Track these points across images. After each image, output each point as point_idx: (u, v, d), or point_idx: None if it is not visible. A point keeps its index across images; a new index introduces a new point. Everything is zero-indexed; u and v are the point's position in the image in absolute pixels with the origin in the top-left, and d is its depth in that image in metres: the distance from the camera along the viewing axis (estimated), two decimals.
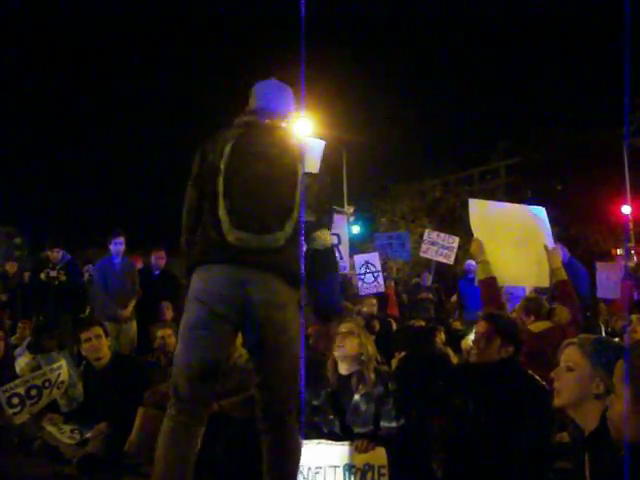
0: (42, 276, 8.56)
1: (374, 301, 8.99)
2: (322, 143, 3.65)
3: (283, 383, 3.19)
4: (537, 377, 3.71)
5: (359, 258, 11.60)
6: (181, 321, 3.23)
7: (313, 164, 3.48)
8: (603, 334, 6.70)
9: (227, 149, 3.21)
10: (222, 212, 3.10)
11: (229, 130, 3.37)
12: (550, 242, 5.69)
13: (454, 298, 11.81)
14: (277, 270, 3.14)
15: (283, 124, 3.49)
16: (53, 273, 8.53)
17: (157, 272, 9.23)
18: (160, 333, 6.78)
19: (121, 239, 8.51)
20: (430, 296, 11.46)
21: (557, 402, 2.61)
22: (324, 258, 3.40)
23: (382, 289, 10.87)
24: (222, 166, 3.18)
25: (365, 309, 8.91)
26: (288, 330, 3.17)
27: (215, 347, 3.12)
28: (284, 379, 3.19)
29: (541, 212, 5.95)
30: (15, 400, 5.13)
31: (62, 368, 5.39)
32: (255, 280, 3.09)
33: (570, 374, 2.56)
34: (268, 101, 3.52)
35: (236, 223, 3.09)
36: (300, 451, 3.28)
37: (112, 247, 8.47)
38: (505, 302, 7.08)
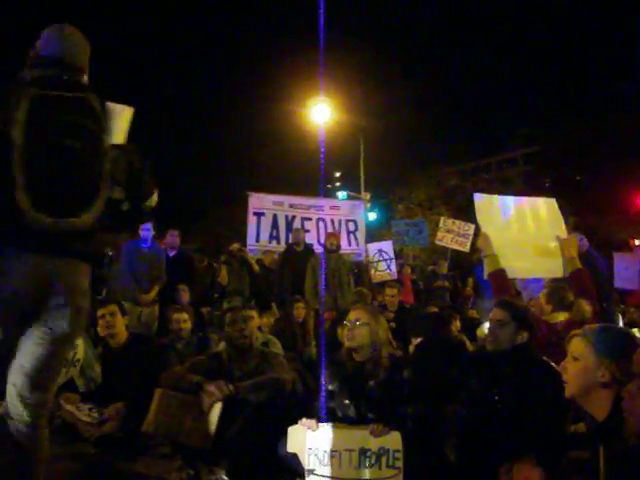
0: None
1: (395, 291, 8.94)
2: (130, 110, 3.13)
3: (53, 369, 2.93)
4: (552, 364, 3.71)
5: (373, 246, 11.64)
6: None
7: (120, 134, 3.07)
8: (621, 324, 6.66)
9: (21, 114, 2.71)
10: (19, 192, 2.65)
11: (19, 86, 2.82)
12: (563, 232, 5.68)
13: (469, 289, 11.77)
14: (83, 256, 2.86)
15: (83, 82, 3.06)
16: None
17: (172, 253, 9.27)
18: (176, 317, 6.84)
19: (149, 224, 8.54)
20: (446, 284, 11.44)
21: (567, 393, 2.63)
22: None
23: (395, 276, 10.89)
24: (16, 135, 2.68)
25: (387, 299, 8.84)
26: (83, 318, 2.90)
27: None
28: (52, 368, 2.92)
29: (552, 203, 5.94)
30: None
31: (78, 346, 5.44)
32: (61, 271, 2.77)
33: (576, 364, 2.58)
34: (64, 50, 3.02)
35: (36, 205, 2.67)
36: (41, 451, 2.93)
37: (141, 232, 8.51)
38: (521, 291, 7.08)
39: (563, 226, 5.79)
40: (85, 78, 3.09)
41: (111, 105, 3.05)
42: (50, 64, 2.96)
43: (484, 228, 5.35)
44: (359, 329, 4.26)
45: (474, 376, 3.94)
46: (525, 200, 6.15)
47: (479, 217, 5.44)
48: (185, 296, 8.54)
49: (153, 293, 8.36)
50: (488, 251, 5.19)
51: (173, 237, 9.47)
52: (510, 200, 6.05)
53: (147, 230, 8.51)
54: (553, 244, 5.54)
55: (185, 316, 6.84)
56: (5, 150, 2.67)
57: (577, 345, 2.61)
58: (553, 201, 5.99)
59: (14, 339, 2.84)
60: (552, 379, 3.53)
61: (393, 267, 11.13)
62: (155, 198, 3.21)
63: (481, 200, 5.62)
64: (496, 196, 6.04)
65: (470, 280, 11.60)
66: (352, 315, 4.37)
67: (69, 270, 2.81)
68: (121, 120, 3.09)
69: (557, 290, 5.31)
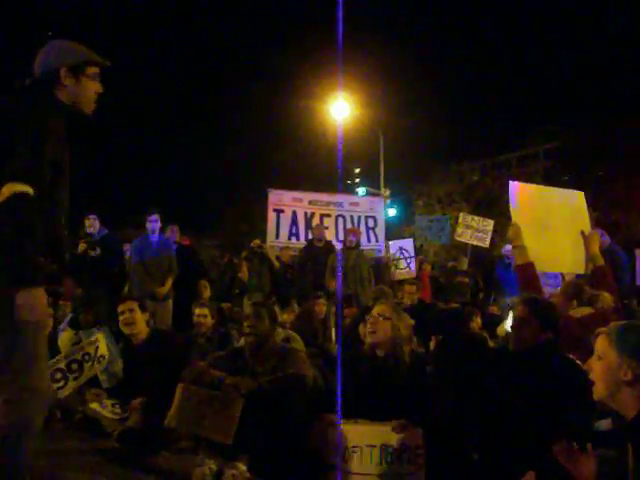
0: (79, 249, 8.60)
1: (414, 288, 8.94)
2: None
3: None
4: (578, 362, 3.67)
5: (394, 244, 11.64)
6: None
7: None
8: None
9: None
10: None
11: None
12: (588, 227, 5.61)
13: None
14: None
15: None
16: (91, 250, 8.50)
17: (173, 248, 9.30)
18: (197, 311, 6.89)
19: (155, 216, 8.55)
20: (466, 280, 11.38)
21: (595, 396, 2.61)
22: None
23: (414, 275, 10.89)
24: None
25: (406, 295, 8.85)
26: None
27: None
28: None
29: (580, 197, 5.84)
30: (58, 375, 5.26)
31: (100, 342, 5.49)
32: None
33: (600, 363, 2.56)
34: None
35: None
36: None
37: (148, 225, 8.55)
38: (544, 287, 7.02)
39: (588, 221, 5.71)
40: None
41: None
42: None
43: (515, 218, 5.24)
44: (381, 324, 4.26)
45: (497, 373, 3.91)
46: (557, 191, 6.05)
47: (512, 206, 5.33)
48: (205, 292, 8.58)
49: (168, 285, 8.39)
50: (518, 242, 5.09)
51: (173, 232, 9.53)
52: (544, 190, 5.94)
53: (155, 222, 8.53)
54: (578, 239, 5.47)
55: (205, 311, 6.88)
56: None
57: (601, 344, 2.59)
58: (581, 195, 5.89)
59: None
60: (577, 378, 3.51)
61: (413, 265, 11.13)
62: None
63: (516, 189, 5.50)
64: (533, 185, 5.93)
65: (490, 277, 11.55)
66: (375, 310, 4.38)
67: None
68: None
69: (574, 286, 5.26)
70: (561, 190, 6.13)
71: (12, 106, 3.00)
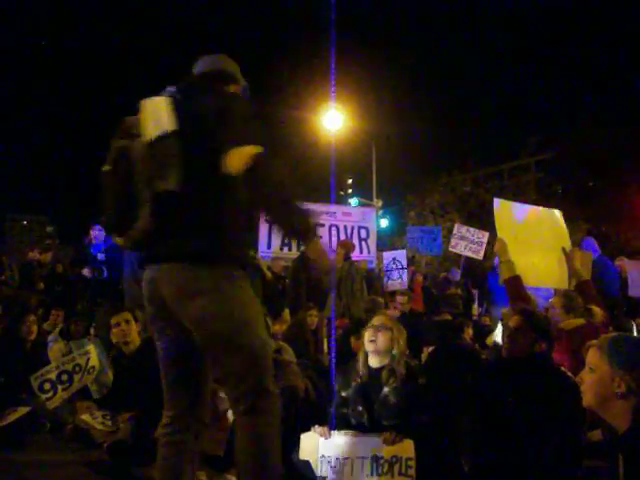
0: (85, 272, 8.61)
1: (406, 298, 8.97)
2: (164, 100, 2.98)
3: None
4: (569, 373, 3.68)
5: (387, 255, 11.63)
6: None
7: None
8: (635, 333, 6.60)
9: None
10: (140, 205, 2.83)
11: None
12: (568, 244, 5.73)
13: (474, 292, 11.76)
14: (182, 257, 2.81)
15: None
16: (95, 273, 8.54)
17: None
18: None
19: None
20: (459, 291, 11.38)
21: (584, 403, 2.61)
22: None
23: (405, 286, 10.89)
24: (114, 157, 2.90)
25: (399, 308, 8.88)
26: (214, 317, 2.77)
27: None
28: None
29: (558, 214, 5.99)
30: (47, 386, 5.24)
31: (91, 353, 5.47)
32: (162, 278, 2.84)
33: (591, 376, 2.56)
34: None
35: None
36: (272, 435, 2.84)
37: None
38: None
39: (568, 238, 5.84)
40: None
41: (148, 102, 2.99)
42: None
43: (501, 233, 5.34)
44: (383, 334, 4.26)
45: (489, 384, 3.92)
46: (538, 209, 6.20)
47: (497, 222, 5.44)
48: None
49: None
50: (504, 257, 5.18)
51: None
52: (526, 208, 6.08)
53: None
54: (560, 255, 5.59)
55: None
56: None
57: (592, 356, 2.59)
58: (559, 213, 6.05)
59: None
60: (568, 389, 3.52)
61: (405, 277, 11.12)
62: None
63: (499, 205, 5.63)
64: (514, 203, 6.06)
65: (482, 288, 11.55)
66: (377, 320, 4.38)
67: (173, 276, 2.84)
68: (160, 112, 3.03)
69: (571, 297, 5.31)
70: (540, 208, 6.30)
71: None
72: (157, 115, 2.83)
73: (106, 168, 2.89)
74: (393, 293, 10.96)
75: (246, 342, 2.78)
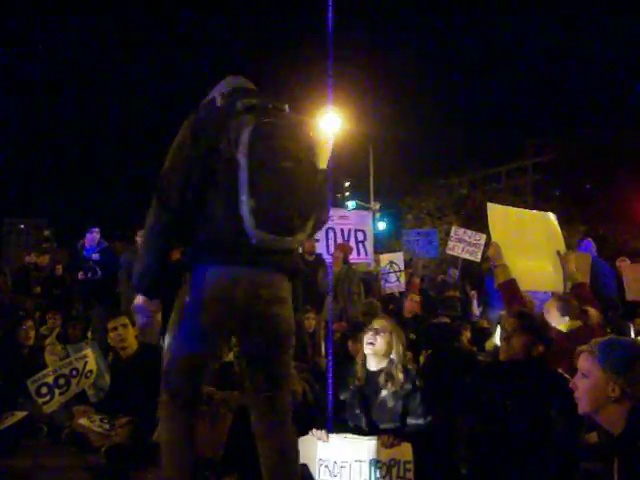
0: (80, 276, 8.62)
1: (417, 298, 9.03)
2: (330, 137, 3.43)
3: (285, 374, 3.22)
4: (566, 376, 3.68)
5: (384, 258, 11.64)
6: (181, 317, 3.16)
7: (324, 159, 3.29)
8: (632, 334, 6.60)
9: (244, 138, 2.91)
10: (246, 211, 2.85)
11: (235, 114, 3.02)
12: (563, 247, 5.75)
13: (473, 293, 11.75)
14: (284, 270, 3.09)
15: (286, 109, 3.23)
16: (89, 273, 8.56)
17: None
18: None
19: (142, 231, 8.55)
20: (457, 294, 11.37)
21: (580, 410, 2.59)
22: None
23: (402, 288, 10.90)
24: (242, 159, 2.89)
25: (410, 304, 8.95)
26: (290, 322, 3.15)
27: (216, 350, 3.17)
28: (287, 371, 3.23)
29: (552, 218, 6.01)
30: (44, 390, 5.23)
31: (88, 357, 5.46)
32: (267, 282, 3.01)
33: (585, 381, 2.54)
34: (247, 83, 3.33)
35: (261, 224, 2.87)
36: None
37: (138, 239, 8.53)
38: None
39: (562, 241, 5.86)
40: (286, 106, 3.24)
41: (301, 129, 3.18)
42: (249, 94, 3.20)
43: (495, 237, 5.37)
44: (381, 337, 4.26)
45: (486, 387, 3.92)
46: (533, 213, 6.23)
47: (491, 226, 5.46)
48: None
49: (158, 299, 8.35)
50: (499, 261, 5.20)
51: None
52: (520, 212, 6.11)
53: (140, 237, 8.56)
54: (555, 259, 5.61)
55: None
56: (230, 172, 2.89)
57: (584, 361, 2.58)
58: (553, 216, 6.07)
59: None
60: (565, 392, 3.52)
61: (402, 279, 11.13)
62: None
63: (494, 210, 5.65)
64: (508, 207, 6.08)
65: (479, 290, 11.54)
66: (376, 323, 4.39)
67: (272, 281, 3.05)
68: (324, 145, 3.32)
69: (566, 300, 5.32)
70: (534, 212, 6.37)
71: None
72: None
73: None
74: (391, 295, 10.99)
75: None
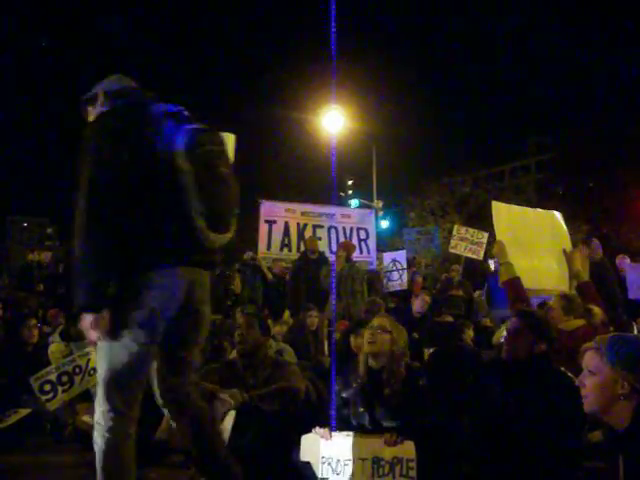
0: None
1: (427, 298, 9.03)
2: (233, 136, 3.71)
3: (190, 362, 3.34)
4: (569, 374, 3.68)
5: (387, 256, 11.64)
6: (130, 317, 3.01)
7: (231, 158, 3.52)
8: (635, 332, 6.59)
9: (181, 145, 3.07)
10: (196, 213, 3.00)
11: (155, 119, 3.16)
12: (569, 245, 5.73)
13: (477, 293, 11.72)
14: (211, 268, 3.31)
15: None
16: None
17: None
18: None
19: None
20: (460, 292, 11.36)
21: (587, 408, 2.54)
22: None
23: (405, 286, 10.89)
24: (185, 164, 3.03)
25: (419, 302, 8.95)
26: (208, 321, 3.37)
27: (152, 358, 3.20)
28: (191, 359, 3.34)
29: (558, 216, 6.00)
30: (47, 387, 5.22)
31: (92, 354, 5.46)
32: (200, 283, 3.19)
33: (593, 379, 2.50)
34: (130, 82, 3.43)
35: (210, 225, 3.04)
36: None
37: None
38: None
39: (569, 239, 5.84)
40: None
41: (221, 134, 3.42)
42: (139, 94, 3.36)
43: (500, 236, 5.35)
44: (381, 336, 4.26)
45: (489, 386, 3.91)
46: (538, 212, 6.21)
47: (496, 225, 5.45)
48: None
49: None
50: (503, 259, 5.19)
51: None
52: (524, 210, 6.09)
53: None
54: (560, 257, 5.59)
55: None
56: (170, 176, 3.01)
57: (591, 359, 2.55)
58: (559, 214, 6.06)
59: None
60: (569, 390, 3.51)
61: (404, 277, 11.13)
62: None
63: (498, 208, 5.64)
64: (513, 206, 6.07)
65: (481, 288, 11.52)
66: (376, 321, 4.39)
67: (203, 279, 3.23)
68: (229, 146, 3.53)
69: (570, 298, 5.31)
70: (539, 210, 6.34)
71: None
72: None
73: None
74: (392, 293, 10.97)
75: None
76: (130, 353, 2.99)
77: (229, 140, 3.54)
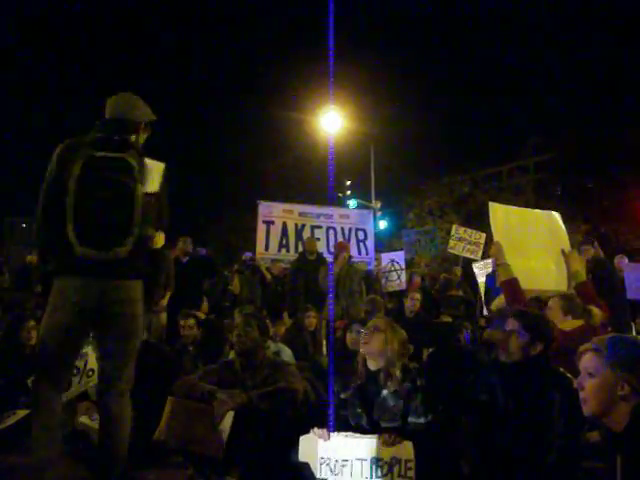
0: None
1: (418, 295, 9.02)
2: (162, 165, 3.93)
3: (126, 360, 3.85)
4: (568, 375, 3.68)
5: (386, 256, 11.65)
6: (44, 322, 3.74)
7: (154, 184, 3.84)
8: (634, 333, 6.60)
9: (76, 170, 3.62)
10: (70, 231, 3.56)
11: (81, 145, 3.73)
12: (567, 246, 5.73)
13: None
14: (124, 276, 3.73)
15: (129, 141, 3.85)
16: None
17: (185, 260, 9.33)
18: (182, 323, 6.87)
19: None
20: (460, 293, 11.36)
21: (586, 411, 2.51)
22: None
23: (404, 286, 10.89)
24: (72, 186, 3.60)
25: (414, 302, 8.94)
26: (137, 319, 3.83)
27: (74, 345, 3.82)
28: (128, 357, 3.86)
29: (556, 217, 6.00)
30: None
31: (89, 355, 5.45)
32: (108, 287, 3.68)
33: (592, 381, 2.47)
34: (116, 112, 3.94)
35: (82, 241, 3.57)
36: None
37: None
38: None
39: (567, 240, 5.84)
40: (133, 137, 3.92)
41: (148, 161, 3.85)
42: (105, 126, 3.88)
43: (497, 237, 5.36)
44: (375, 336, 4.27)
45: (487, 386, 3.91)
46: (536, 212, 6.21)
47: (493, 226, 5.46)
48: (203, 306, 8.59)
49: (165, 299, 8.38)
50: (501, 260, 5.20)
51: (186, 244, 9.53)
52: (522, 211, 6.10)
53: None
54: (559, 258, 5.59)
55: (192, 322, 6.86)
56: (61, 196, 3.59)
57: (590, 360, 2.51)
58: (557, 215, 6.06)
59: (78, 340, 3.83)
60: (567, 391, 3.51)
61: (403, 277, 11.13)
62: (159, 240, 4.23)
63: (495, 209, 5.64)
64: (510, 207, 6.07)
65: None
66: (371, 322, 4.41)
67: (113, 285, 3.70)
68: (155, 173, 3.87)
69: (569, 299, 5.31)
70: (537, 211, 6.34)
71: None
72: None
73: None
74: (392, 293, 10.97)
75: None
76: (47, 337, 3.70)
77: (157, 168, 3.89)
